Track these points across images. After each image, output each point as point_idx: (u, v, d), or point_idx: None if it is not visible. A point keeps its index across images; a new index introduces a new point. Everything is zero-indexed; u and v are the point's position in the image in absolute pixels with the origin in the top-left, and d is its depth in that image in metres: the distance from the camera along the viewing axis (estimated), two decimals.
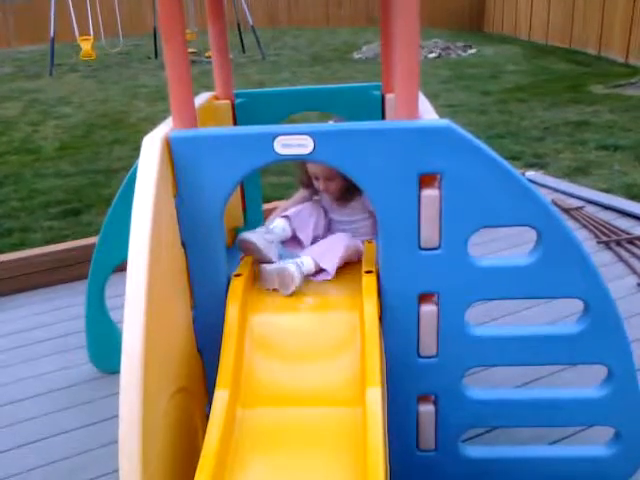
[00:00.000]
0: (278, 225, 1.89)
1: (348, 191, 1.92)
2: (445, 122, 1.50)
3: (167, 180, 1.52)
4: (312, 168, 1.96)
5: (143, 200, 1.41)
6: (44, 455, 2.16)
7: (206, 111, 2.05)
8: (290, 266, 1.68)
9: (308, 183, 2.04)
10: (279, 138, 1.52)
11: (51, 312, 3.14)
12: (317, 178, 1.96)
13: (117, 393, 1.26)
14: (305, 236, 1.92)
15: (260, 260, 1.77)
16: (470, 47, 14.38)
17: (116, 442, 1.24)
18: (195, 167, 1.55)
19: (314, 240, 1.94)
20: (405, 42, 1.47)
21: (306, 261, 1.76)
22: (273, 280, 1.70)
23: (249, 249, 1.78)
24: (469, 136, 1.50)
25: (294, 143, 1.52)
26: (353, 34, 18.10)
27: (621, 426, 1.79)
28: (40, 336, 2.92)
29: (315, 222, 1.96)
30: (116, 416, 1.25)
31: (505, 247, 3.47)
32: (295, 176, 2.10)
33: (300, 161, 1.96)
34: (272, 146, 1.53)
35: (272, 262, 1.75)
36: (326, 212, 2.03)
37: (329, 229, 2.02)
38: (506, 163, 1.52)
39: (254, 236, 1.78)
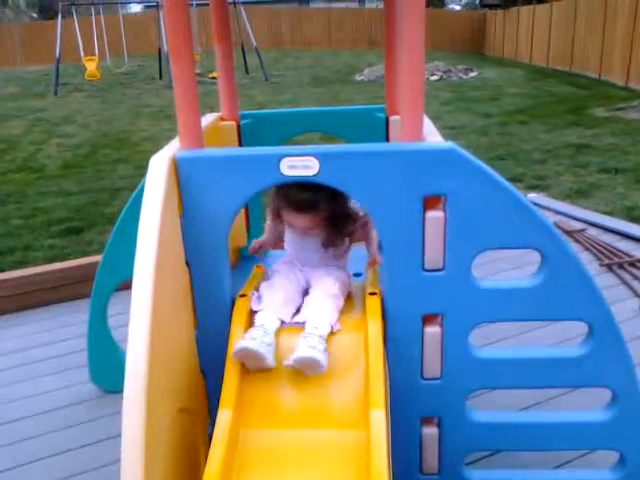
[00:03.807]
0: (273, 322, 1.62)
1: (334, 238, 1.78)
2: (450, 145, 1.51)
3: (173, 200, 1.53)
4: (291, 220, 1.77)
5: (149, 219, 1.41)
6: (45, 474, 2.14)
7: (212, 132, 2.06)
8: (314, 354, 1.48)
9: (278, 214, 1.84)
10: (285, 159, 1.53)
11: (52, 331, 3.12)
12: (292, 226, 1.79)
13: (118, 412, 1.25)
14: (286, 314, 1.68)
15: (259, 367, 1.53)
16: (471, 70, 14.51)
17: (117, 462, 1.24)
18: (201, 187, 1.56)
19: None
20: (410, 65, 1.49)
21: (319, 327, 1.58)
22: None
23: (250, 357, 1.51)
24: (474, 159, 1.51)
25: (300, 164, 1.53)
26: (355, 56, 18.29)
27: (625, 450, 1.77)
28: (41, 355, 2.91)
29: (289, 290, 1.74)
30: (117, 435, 1.24)
31: (508, 268, 3.47)
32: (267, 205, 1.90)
33: (273, 189, 1.77)
34: (278, 167, 1.54)
35: (271, 367, 1.53)
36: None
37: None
38: (510, 186, 1.53)
39: (255, 344, 1.50)
